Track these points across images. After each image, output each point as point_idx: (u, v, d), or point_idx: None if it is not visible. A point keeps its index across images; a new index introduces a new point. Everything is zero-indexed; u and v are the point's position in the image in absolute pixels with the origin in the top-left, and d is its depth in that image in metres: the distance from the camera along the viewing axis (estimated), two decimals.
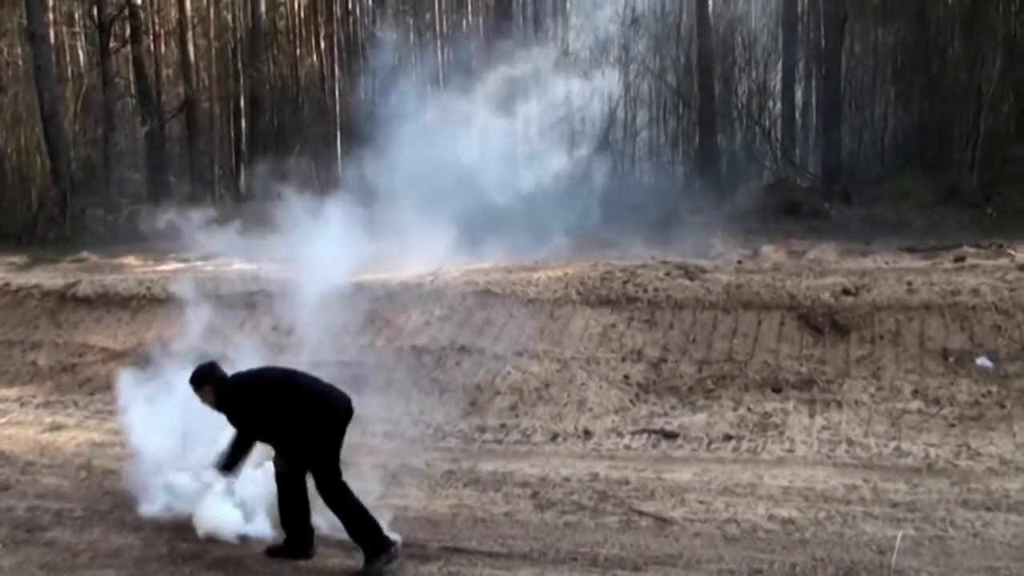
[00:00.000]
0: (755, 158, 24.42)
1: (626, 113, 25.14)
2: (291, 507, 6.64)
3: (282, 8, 33.63)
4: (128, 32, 27.97)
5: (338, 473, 6.44)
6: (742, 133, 25.07)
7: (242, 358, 7.91)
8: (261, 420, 6.48)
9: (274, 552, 6.72)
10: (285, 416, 6.40)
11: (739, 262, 13.86)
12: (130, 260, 17.56)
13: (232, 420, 6.61)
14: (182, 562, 6.68)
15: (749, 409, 9.79)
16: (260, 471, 7.28)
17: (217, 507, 7.16)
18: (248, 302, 13.06)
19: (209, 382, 6.65)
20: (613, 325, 11.58)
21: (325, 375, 6.89)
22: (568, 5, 27.38)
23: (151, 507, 7.59)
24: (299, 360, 8.35)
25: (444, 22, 29.42)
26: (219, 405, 6.61)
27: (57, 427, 10.54)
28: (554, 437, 9.68)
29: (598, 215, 19.00)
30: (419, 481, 8.49)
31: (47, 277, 15.28)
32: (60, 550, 7.00)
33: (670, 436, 9.47)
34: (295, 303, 11.78)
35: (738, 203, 20.44)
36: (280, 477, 6.64)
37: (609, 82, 24.39)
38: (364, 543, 6.38)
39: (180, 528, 7.24)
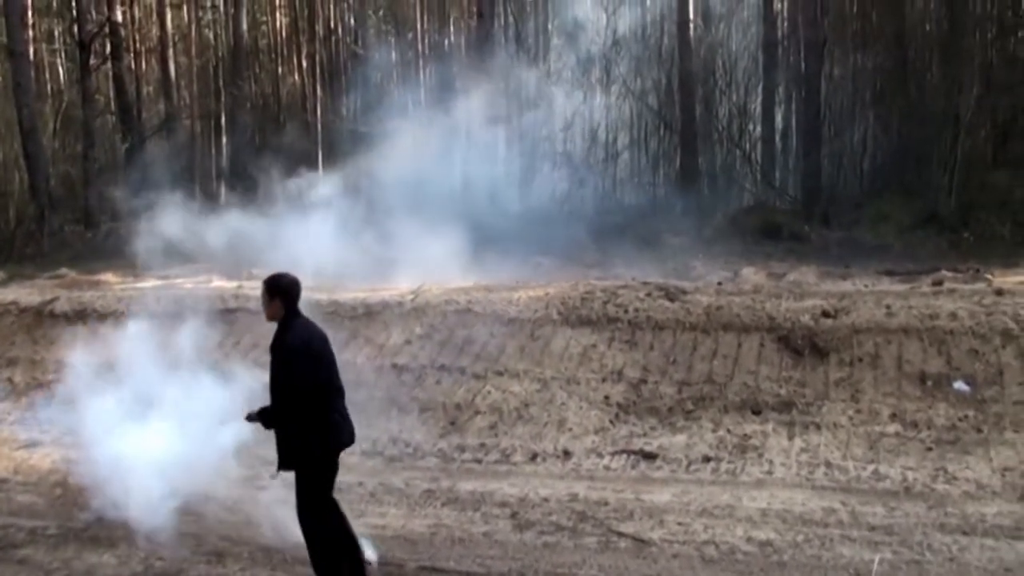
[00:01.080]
0: (735, 180, 24.57)
1: (607, 134, 25.27)
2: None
3: (264, 27, 33.66)
4: (108, 49, 27.94)
5: (328, 498, 6.17)
6: (723, 155, 25.22)
7: (223, 373, 7.90)
8: (293, 377, 5.90)
9: None
10: (304, 396, 5.93)
11: (719, 284, 13.91)
12: (108, 276, 17.49)
13: (273, 359, 6.04)
14: None
15: (728, 431, 9.80)
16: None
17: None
18: (228, 319, 13.02)
19: (283, 298, 6.15)
20: (594, 345, 11.58)
21: None
22: (550, 27, 27.55)
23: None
24: None
25: (426, 42, 29.49)
26: (278, 330, 6.10)
27: (33, 444, 10.44)
28: (533, 457, 9.67)
29: (579, 235, 19.06)
30: (397, 500, 8.46)
31: (24, 293, 15.19)
32: (34, 568, 6.96)
33: (649, 457, 9.47)
34: None
35: (719, 225, 20.57)
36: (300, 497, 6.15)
37: (591, 103, 24.55)
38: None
39: (156, 545, 7.18)
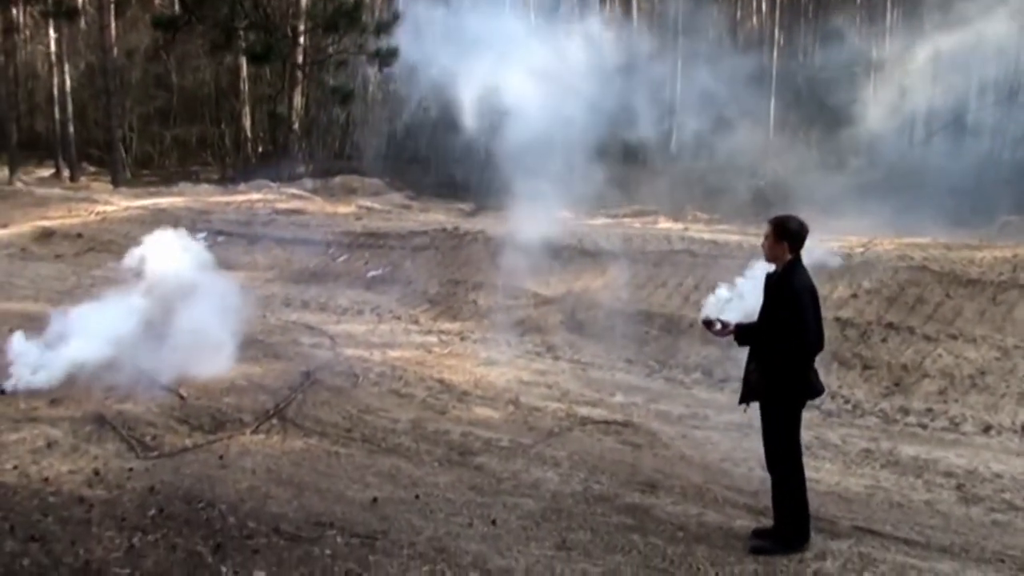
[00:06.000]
0: None
1: None
2: (784, 479, 6.01)
3: None
4: None
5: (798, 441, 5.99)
6: None
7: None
8: (803, 318, 5.78)
9: (761, 534, 6.19)
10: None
11: None
12: (563, 213, 18.42)
13: (771, 297, 6.00)
14: (594, 502, 6.89)
15: None
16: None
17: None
18: (673, 261, 13.29)
19: (791, 241, 6.01)
20: None
21: None
22: None
23: None
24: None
25: None
26: (781, 272, 6.01)
27: (491, 362, 11.30)
28: (987, 429, 8.96)
29: None
30: (833, 456, 8.22)
31: (491, 223, 16.37)
32: (487, 475, 7.47)
33: None
34: (716, 264, 11.89)
35: None
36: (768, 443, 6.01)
37: None
38: (782, 518, 6.04)
39: (596, 469, 7.54)
